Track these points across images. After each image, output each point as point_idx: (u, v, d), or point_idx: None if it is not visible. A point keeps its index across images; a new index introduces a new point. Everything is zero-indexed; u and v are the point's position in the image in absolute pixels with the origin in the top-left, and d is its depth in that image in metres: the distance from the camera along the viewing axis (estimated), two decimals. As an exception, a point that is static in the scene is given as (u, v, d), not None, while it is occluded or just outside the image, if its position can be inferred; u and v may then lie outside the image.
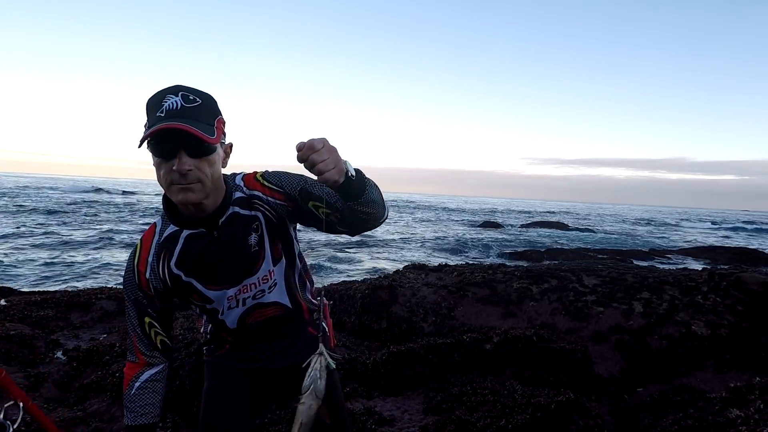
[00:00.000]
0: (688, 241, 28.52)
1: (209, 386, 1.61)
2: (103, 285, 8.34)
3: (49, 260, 13.14)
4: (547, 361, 3.70)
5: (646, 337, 4.28)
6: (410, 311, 4.93)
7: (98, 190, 55.97)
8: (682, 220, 62.45)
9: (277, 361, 1.57)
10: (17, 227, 19.39)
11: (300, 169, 1.15)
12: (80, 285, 9.68)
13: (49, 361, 3.74)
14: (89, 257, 14.18)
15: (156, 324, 1.44)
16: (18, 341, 3.84)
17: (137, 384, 1.45)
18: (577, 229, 34.16)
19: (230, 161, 1.37)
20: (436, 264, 7.02)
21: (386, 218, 1.40)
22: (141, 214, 29.09)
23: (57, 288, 9.22)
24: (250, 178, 1.41)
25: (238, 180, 1.41)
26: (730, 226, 51.22)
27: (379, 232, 22.67)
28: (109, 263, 13.35)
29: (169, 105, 1.19)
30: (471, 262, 9.00)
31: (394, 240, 22.53)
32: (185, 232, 1.37)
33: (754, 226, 51.69)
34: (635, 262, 14.23)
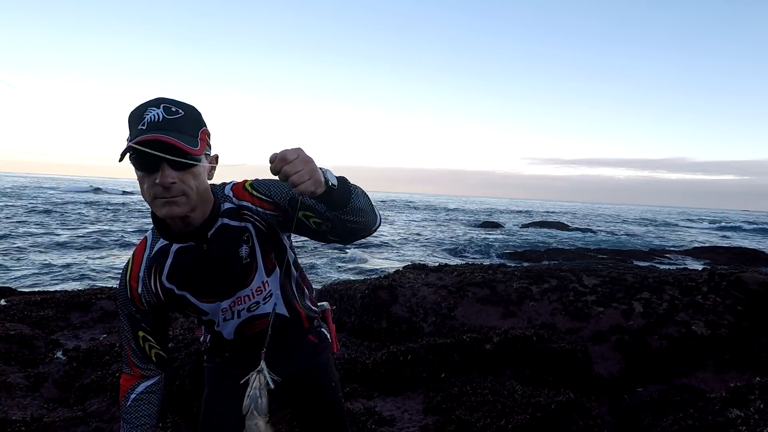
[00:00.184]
0: (688, 241, 28.52)
1: (209, 392, 1.61)
2: (103, 285, 8.34)
3: (46, 261, 13.13)
4: (547, 361, 3.70)
5: (646, 337, 4.28)
6: (410, 311, 4.93)
7: (97, 189, 55.93)
8: (682, 220, 62.46)
9: (277, 368, 1.57)
10: (15, 227, 19.38)
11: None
12: (79, 285, 9.67)
13: (49, 361, 3.74)
14: (88, 257, 14.18)
15: (150, 337, 1.44)
16: (18, 341, 3.84)
17: (133, 396, 1.45)
18: (577, 229, 34.15)
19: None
20: (436, 264, 7.02)
21: (378, 226, 1.36)
22: (139, 214, 29.09)
23: (56, 288, 9.22)
24: (239, 188, 1.38)
25: (227, 190, 1.38)
26: (730, 226, 51.22)
27: (379, 232, 22.67)
28: (107, 263, 13.35)
29: (150, 117, 1.17)
30: (471, 262, 9.00)
31: (394, 240, 22.53)
32: (175, 246, 1.35)
33: (754, 226, 51.69)
34: (635, 262, 14.23)
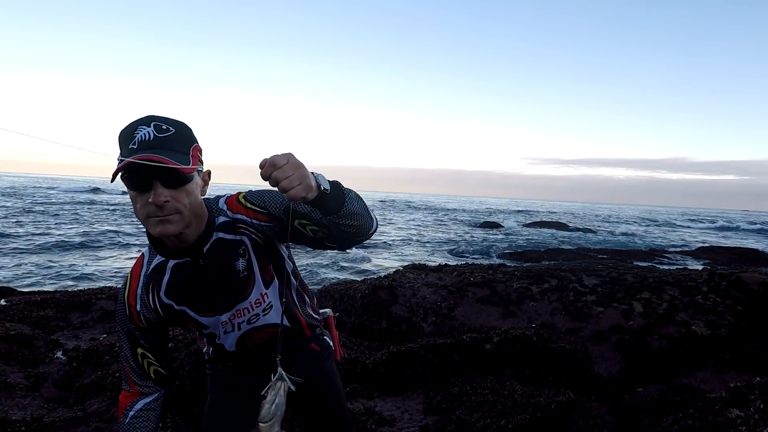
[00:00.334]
0: (688, 241, 28.52)
1: (212, 399, 1.61)
2: (103, 285, 8.34)
3: (46, 261, 13.14)
4: (547, 361, 3.70)
5: (646, 337, 4.28)
6: (410, 311, 4.93)
7: (96, 189, 55.93)
8: (682, 220, 62.46)
9: None
10: (14, 227, 19.38)
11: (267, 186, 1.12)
12: (78, 285, 9.67)
13: (49, 361, 3.74)
14: (88, 258, 14.18)
15: (149, 354, 1.44)
16: (18, 341, 3.84)
17: (131, 413, 1.45)
18: (577, 229, 34.15)
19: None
20: (436, 264, 7.02)
21: (375, 230, 1.36)
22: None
23: (55, 288, 9.22)
24: (233, 201, 1.38)
25: (222, 203, 1.38)
26: (730, 226, 51.22)
27: (379, 232, 22.66)
28: (107, 263, 13.36)
29: (141, 136, 1.16)
30: (471, 262, 9.01)
31: (394, 240, 22.54)
32: (171, 262, 1.35)
33: (754, 226, 51.69)
34: (635, 262, 14.23)
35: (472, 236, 25.60)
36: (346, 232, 1.26)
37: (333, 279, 11.85)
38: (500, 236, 26.07)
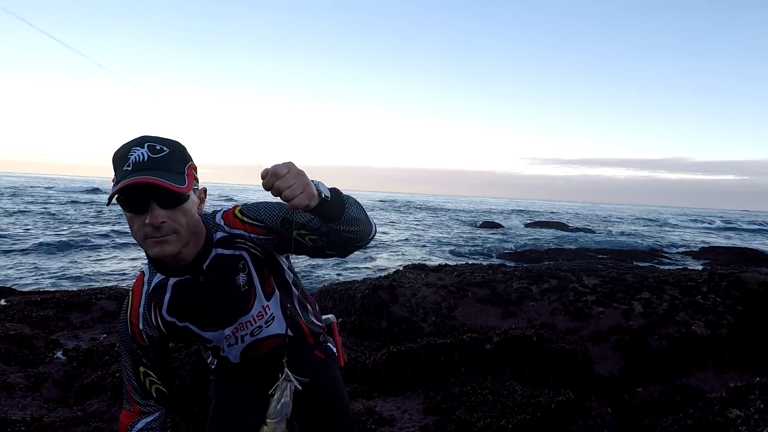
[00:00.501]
0: (688, 241, 28.52)
1: (216, 404, 1.62)
2: (103, 285, 8.34)
3: (46, 261, 13.14)
4: (547, 361, 3.70)
5: (646, 337, 4.28)
6: (410, 311, 4.93)
7: (95, 190, 55.83)
8: (682, 220, 62.46)
9: None
10: (14, 227, 19.38)
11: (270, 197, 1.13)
12: (78, 285, 9.67)
13: (49, 361, 3.74)
14: (87, 258, 14.18)
15: (151, 372, 1.44)
16: (18, 341, 3.84)
17: None
18: (577, 229, 34.15)
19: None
20: (436, 264, 7.02)
21: (374, 235, 1.36)
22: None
23: (55, 288, 9.21)
24: (230, 216, 1.38)
25: (219, 219, 1.37)
26: (730, 226, 51.22)
27: (379, 232, 22.65)
28: (107, 264, 13.35)
29: (135, 158, 1.16)
30: (471, 262, 9.00)
31: (394, 240, 22.54)
32: (172, 280, 1.36)
33: (754, 226, 51.70)
34: (635, 262, 14.24)
35: (472, 236, 25.60)
36: (346, 238, 1.26)
37: (333, 279, 11.85)
38: (500, 236, 26.07)
